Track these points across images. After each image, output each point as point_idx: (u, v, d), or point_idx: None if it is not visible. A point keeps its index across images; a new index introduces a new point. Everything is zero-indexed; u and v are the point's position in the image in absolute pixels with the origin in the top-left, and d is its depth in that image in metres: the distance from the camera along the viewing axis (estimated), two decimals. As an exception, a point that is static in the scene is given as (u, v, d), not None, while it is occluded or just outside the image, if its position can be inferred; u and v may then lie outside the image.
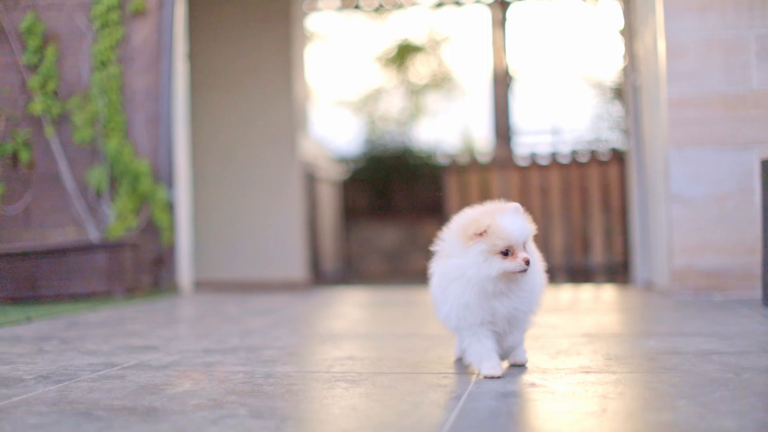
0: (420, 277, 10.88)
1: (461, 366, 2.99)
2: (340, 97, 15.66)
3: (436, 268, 2.85)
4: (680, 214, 5.84)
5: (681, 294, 5.70)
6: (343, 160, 13.49)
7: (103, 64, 6.37)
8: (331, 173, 10.95)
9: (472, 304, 2.71)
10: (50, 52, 6.40)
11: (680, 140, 5.86)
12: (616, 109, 12.69)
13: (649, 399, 2.40)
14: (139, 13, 6.42)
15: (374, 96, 15.78)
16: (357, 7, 14.15)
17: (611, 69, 13.01)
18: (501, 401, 2.39)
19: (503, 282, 2.68)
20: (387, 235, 13.24)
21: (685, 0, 5.91)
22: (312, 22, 13.86)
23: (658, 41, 6.18)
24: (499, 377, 2.70)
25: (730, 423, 2.04)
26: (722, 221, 5.74)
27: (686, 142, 5.85)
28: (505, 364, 2.95)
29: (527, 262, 2.63)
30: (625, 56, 7.79)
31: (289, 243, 8.91)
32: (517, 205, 2.74)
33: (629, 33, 7.62)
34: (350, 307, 5.76)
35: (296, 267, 8.88)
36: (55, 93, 6.41)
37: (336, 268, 10.74)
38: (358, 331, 4.36)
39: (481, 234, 2.65)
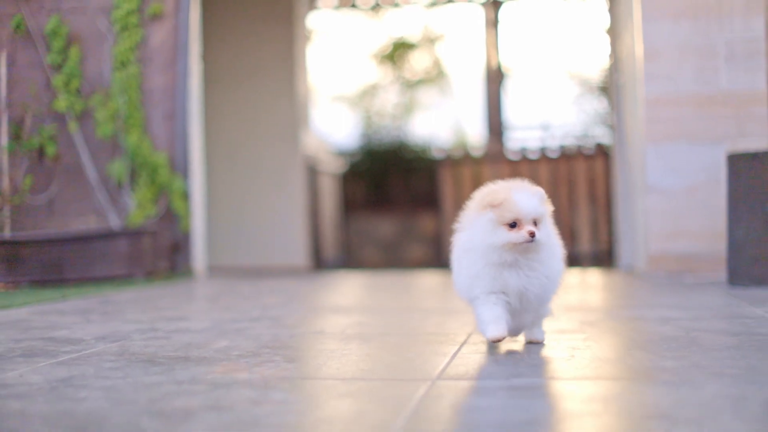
0: (416, 266, 11.33)
1: (460, 329, 3.50)
2: (337, 92, 16.07)
3: (454, 241, 2.96)
4: (656, 204, 6.37)
5: (657, 276, 6.22)
6: (341, 154, 13.93)
7: (123, 64, 6.85)
8: (332, 166, 11.44)
9: (482, 273, 2.79)
10: (73, 52, 6.88)
11: (656, 136, 6.39)
12: (603, 105, 13.19)
13: (610, 350, 2.92)
14: (157, 17, 6.91)
15: (370, 91, 16.16)
16: (354, 5, 14.62)
17: (598, 67, 13.52)
18: (490, 351, 2.90)
19: (509, 253, 2.75)
20: (383, 226, 13.71)
21: (660, 8, 6.43)
22: (311, 20, 14.31)
23: (636, 45, 6.70)
24: (501, 339, 2.81)
25: (671, 363, 2.56)
26: (694, 210, 6.27)
27: (662, 138, 6.38)
28: (522, 339, 3.07)
29: (532, 235, 2.69)
30: (610, 55, 8.31)
31: (292, 232, 9.43)
32: (539, 189, 2.80)
33: (614, 33, 8.14)
34: (353, 288, 6.27)
35: (299, 254, 9.40)
36: (78, 91, 6.89)
37: (335, 257, 11.24)
38: (363, 305, 4.87)
39: (494, 205, 2.73)
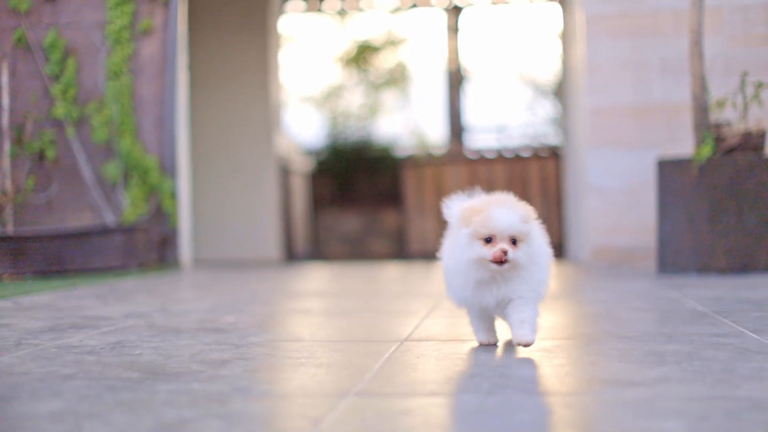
0: (380, 259, 12.01)
1: (422, 308, 4.24)
2: (305, 93, 16.67)
3: (442, 249, 2.97)
4: (597, 203, 7.16)
5: (599, 267, 7.00)
6: (309, 153, 14.58)
7: (116, 74, 7.52)
8: (302, 166, 12.15)
9: (466, 287, 2.80)
10: (70, 64, 7.54)
11: (597, 142, 7.18)
12: (555, 109, 13.98)
13: (549, 321, 3.67)
14: (147, 32, 7.58)
15: (336, 93, 16.70)
16: (320, 10, 15.32)
17: (551, 73, 14.32)
18: (450, 320, 3.65)
19: (483, 271, 2.73)
20: (349, 221, 14.43)
21: (602, 27, 7.22)
22: (280, 25, 14.95)
23: (580, 59, 7.48)
24: (492, 344, 2.94)
25: (589, 330, 3.31)
26: (630, 209, 7.06)
27: (602, 144, 7.17)
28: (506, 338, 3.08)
29: (504, 253, 2.65)
30: (562, 63, 9.10)
31: (266, 227, 10.15)
32: (524, 207, 2.76)
33: (565, 43, 8.92)
34: (327, 277, 6.99)
35: (272, 248, 10.12)
36: (75, 99, 7.55)
37: (305, 250, 11.96)
38: (338, 290, 5.61)
39: (472, 219, 2.70)
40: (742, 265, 6.06)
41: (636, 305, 4.25)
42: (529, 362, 2.67)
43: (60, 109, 7.47)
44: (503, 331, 3.07)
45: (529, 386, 2.29)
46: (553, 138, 13.65)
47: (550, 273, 2.99)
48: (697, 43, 6.25)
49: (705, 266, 6.11)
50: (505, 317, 2.85)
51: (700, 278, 5.75)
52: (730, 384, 2.25)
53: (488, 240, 2.69)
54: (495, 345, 2.94)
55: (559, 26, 9.32)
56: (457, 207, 2.81)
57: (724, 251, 6.09)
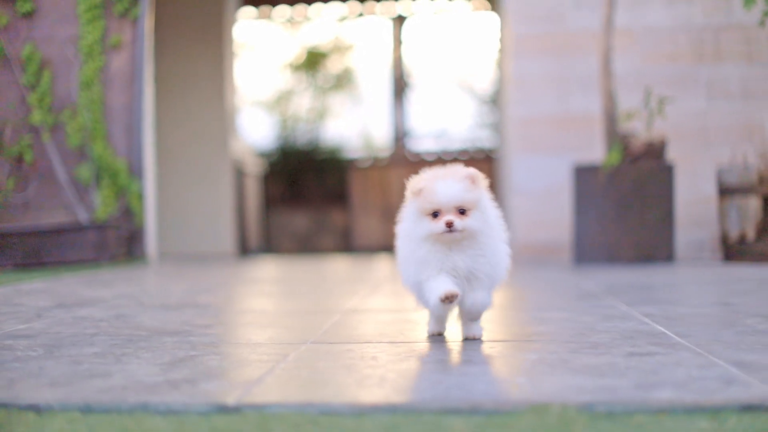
0: (326, 254, 12.78)
1: (364, 289, 5.06)
2: (256, 97, 17.35)
3: (397, 230, 2.92)
4: (521, 202, 8.04)
5: (525, 260, 7.87)
6: (260, 155, 15.32)
7: (88, 85, 8.25)
8: (255, 168, 12.92)
9: (429, 257, 2.75)
10: (46, 75, 8.26)
11: (522, 148, 8.05)
12: (493, 115, 14.87)
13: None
14: (117, 46, 8.31)
15: (286, 97, 17.36)
16: (271, 18, 16.08)
17: (489, 81, 15.22)
18: (386, 298, 4.48)
19: (440, 244, 2.73)
20: (299, 220, 15.22)
21: (528, 46, 8.09)
22: (234, 33, 15.64)
23: (509, 73, 8.36)
24: (453, 295, 2.76)
25: (499, 302, 4.16)
26: (550, 208, 7.94)
27: (526, 150, 8.05)
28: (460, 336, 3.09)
29: (449, 225, 2.63)
30: (498, 73, 9.98)
31: (222, 224, 10.94)
32: (468, 174, 2.71)
33: (501, 56, 9.78)
34: (280, 268, 7.78)
35: (228, 243, 10.91)
36: (50, 107, 8.25)
37: (258, 245, 12.73)
38: (291, 278, 6.41)
39: (416, 194, 2.70)
40: (645, 256, 6.98)
41: (544, 287, 5.12)
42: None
43: (36, 117, 8.17)
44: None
45: (438, 337, 3.12)
46: (488, 142, 14.54)
47: (507, 241, 2.91)
48: (606, 64, 7.15)
49: (613, 258, 7.02)
50: (459, 304, 2.85)
51: (608, 268, 6.65)
52: (583, 335, 3.11)
53: (435, 214, 2.67)
54: (454, 298, 2.75)
55: (497, 38, 10.19)
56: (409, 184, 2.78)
57: (630, 245, 6.99)
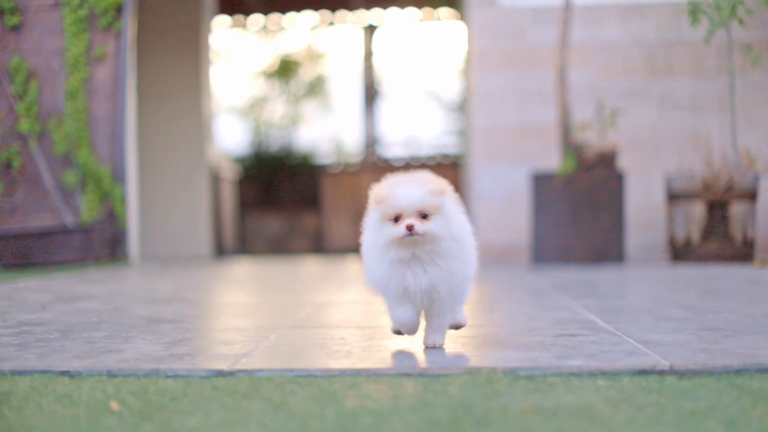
0: (298, 255, 13.25)
1: (335, 286, 5.55)
2: (230, 104, 17.71)
3: (363, 237, 2.89)
4: (483, 207, 8.55)
5: (486, 261, 8.36)
6: (235, 160, 15.74)
7: (74, 95, 8.69)
8: (230, 173, 13.38)
9: (386, 273, 2.73)
10: (33, 85, 8.69)
11: (484, 156, 8.58)
12: (460, 123, 15.39)
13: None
14: (101, 59, 8.76)
15: (260, 104, 17.78)
16: (245, 26, 16.56)
17: (457, 90, 15.76)
18: (355, 294, 4.97)
19: (401, 250, 2.68)
20: (272, 223, 15.69)
21: (490, 60, 8.61)
22: (211, 42, 16.06)
23: (474, 85, 8.88)
24: (410, 330, 2.84)
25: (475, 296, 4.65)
26: (511, 212, 8.47)
27: (488, 157, 8.57)
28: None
29: (409, 228, 2.60)
30: (465, 80, 10.48)
31: (199, 227, 11.41)
32: (432, 181, 2.69)
33: (467, 67, 10.30)
34: (256, 267, 8.26)
35: (204, 245, 11.38)
36: (37, 116, 8.68)
37: (233, 247, 13.19)
38: (268, 275, 6.89)
39: (378, 201, 2.67)
40: (597, 257, 7.51)
41: (502, 284, 5.63)
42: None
43: (24, 125, 8.60)
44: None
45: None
46: (455, 149, 15.07)
47: (474, 250, 2.93)
48: (562, 78, 7.67)
49: (568, 258, 7.55)
50: (425, 316, 2.88)
51: (562, 267, 7.17)
52: (524, 322, 3.61)
53: (397, 219, 2.64)
54: (412, 332, 2.84)
55: (464, 50, 10.71)
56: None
57: (583, 246, 7.52)
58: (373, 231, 2.75)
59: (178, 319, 3.82)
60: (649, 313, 3.85)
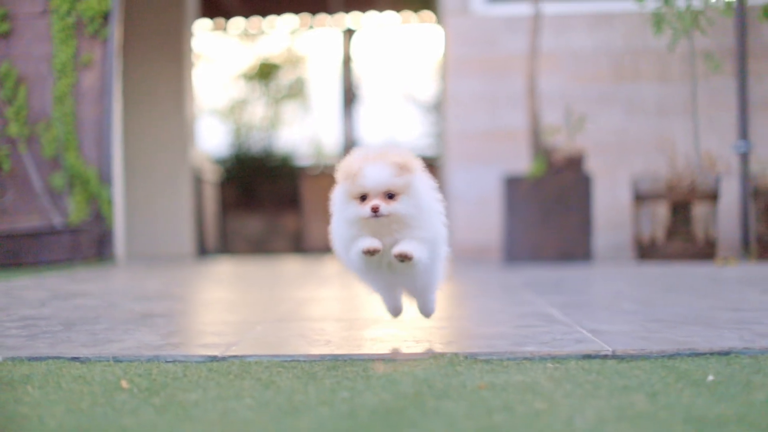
0: (279, 255, 13.55)
1: (315, 283, 5.87)
2: (211, 106, 17.99)
3: (332, 210, 2.86)
4: (459, 208, 8.89)
5: (461, 260, 8.72)
6: (216, 162, 16.04)
7: (61, 100, 8.97)
8: (212, 175, 13.68)
9: (358, 236, 2.72)
10: (22, 90, 8.97)
11: (459, 159, 8.91)
12: (438, 125, 15.73)
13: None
14: (88, 64, 9.05)
15: (240, 106, 18.10)
16: (225, 29, 16.85)
17: (433, 92, 16.10)
18: (334, 290, 5.29)
19: (368, 229, 2.68)
20: (252, 223, 16.00)
21: (463, 68, 8.95)
22: (193, 46, 16.31)
23: (448, 91, 9.21)
24: (375, 249, 2.72)
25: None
26: (485, 213, 8.81)
27: (462, 160, 8.91)
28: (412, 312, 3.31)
29: (374, 209, 2.59)
30: (441, 84, 10.82)
31: (182, 227, 11.71)
32: (402, 155, 2.68)
33: (443, 72, 10.63)
34: (239, 265, 8.57)
35: (188, 244, 11.68)
36: (26, 120, 8.96)
37: (215, 247, 13.49)
38: (251, 273, 7.21)
39: (346, 177, 2.66)
40: (566, 256, 7.86)
41: (474, 282, 5.97)
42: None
43: (13, 129, 8.88)
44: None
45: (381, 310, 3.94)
46: (432, 151, 15.41)
47: (443, 223, 2.88)
48: (532, 85, 8.02)
49: (538, 257, 7.90)
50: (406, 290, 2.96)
51: (533, 266, 7.51)
52: (490, 315, 3.95)
53: (363, 198, 2.64)
54: (376, 251, 2.73)
55: (440, 55, 11.05)
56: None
57: (552, 246, 7.87)
58: (340, 207, 2.75)
59: (170, 314, 4.13)
60: (605, 308, 4.19)
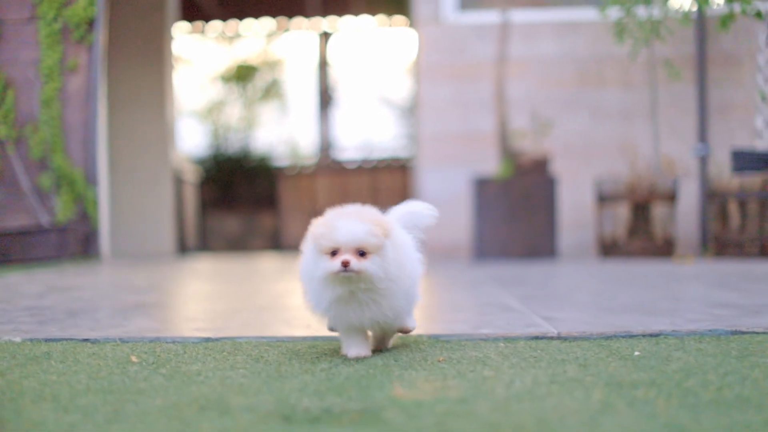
0: (255, 254, 13.93)
1: (292, 278, 6.24)
2: (189, 107, 18.27)
3: (300, 264, 2.85)
4: (430, 208, 9.31)
5: (433, 258, 9.11)
6: (195, 162, 16.36)
7: (48, 103, 9.32)
8: (192, 176, 14.04)
9: (330, 309, 2.74)
10: (10, 94, 9.31)
11: (430, 161, 9.33)
12: (411, 128, 16.13)
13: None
14: (74, 69, 9.39)
15: (218, 107, 18.35)
16: (203, 32, 17.20)
17: (407, 94, 16.52)
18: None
19: (338, 286, 2.65)
20: (230, 222, 16.36)
21: (435, 73, 9.37)
22: (173, 49, 16.62)
23: (421, 95, 9.63)
24: (366, 356, 2.81)
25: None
26: (455, 213, 9.23)
27: (434, 162, 9.32)
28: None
29: (345, 264, 2.57)
30: (414, 88, 11.22)
31: (163, 226, 12.08)
32: (375, 219, 2.66)
33: (416, 77, 11.03)
34: (219, 262, 8.94)
35: (169, 243, 12.05)
36: (14, 123, 9.29)
37: (194, 245, 13.86)
38: (228, 271, 7.58)
39: (317, 233, 2.64)
40: (532, 253, 8.29)
41: (444, 277, 6.38)
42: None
43: (2, 131, 9.21)
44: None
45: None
46: (405, 152, 15.84)
47: (417, 285, 2.99)
48: (500, 91, 8.44)
49: (505, 254, 8.32)
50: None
51: (500, 262, 7.93)
52: (455, 305, 4.36)
53: (334, 253, 2.61)
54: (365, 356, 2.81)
55: (413, 60, 11.44)
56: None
57: (519, 244, 8.30)
58: (311, 262, 2.72)
59: (162, 304, 4.51)
60: (560, 299, 4.61)
